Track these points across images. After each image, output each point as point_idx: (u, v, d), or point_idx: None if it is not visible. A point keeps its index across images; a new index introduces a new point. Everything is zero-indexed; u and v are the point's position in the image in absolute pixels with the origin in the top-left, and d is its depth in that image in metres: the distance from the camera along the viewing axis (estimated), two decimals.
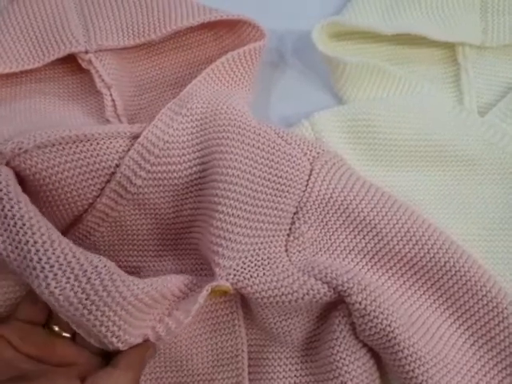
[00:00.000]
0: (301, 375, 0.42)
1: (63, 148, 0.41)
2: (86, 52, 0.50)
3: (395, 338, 0.39)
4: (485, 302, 0.42)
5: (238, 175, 0.42)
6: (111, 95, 0.51)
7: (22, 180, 0.40)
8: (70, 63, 0.52)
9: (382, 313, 0.39)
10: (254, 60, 0.52)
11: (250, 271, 0.41)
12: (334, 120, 0.50)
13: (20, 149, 0.38)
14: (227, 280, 0.40)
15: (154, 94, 0.54)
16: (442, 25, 0.54)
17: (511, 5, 0.55)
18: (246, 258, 0.41)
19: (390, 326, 0.39)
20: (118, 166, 0.43)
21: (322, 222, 0.44)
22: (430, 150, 0.50)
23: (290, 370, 0.42)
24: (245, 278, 0.40)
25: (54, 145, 0.40)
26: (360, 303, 0.39)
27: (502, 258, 0.47)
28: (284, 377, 0.42)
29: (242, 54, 0.51)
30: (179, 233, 0.46)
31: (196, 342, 0.43)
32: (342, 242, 0.44)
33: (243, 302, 0.43)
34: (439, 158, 0.50)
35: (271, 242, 0.42)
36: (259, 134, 0.44)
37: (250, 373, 0.43)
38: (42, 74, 0.53)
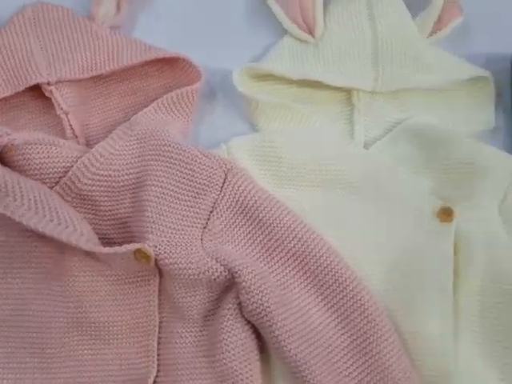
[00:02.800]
0: (196, 345, 0.55)
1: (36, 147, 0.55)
2: (49, 83, 0.62)
3: (270, 312, 0.52)
4: (348, 292, 0.55)
5: (164, 181, 0.56)
6: (68, 120, 0.63)
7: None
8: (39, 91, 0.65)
9: (261, 291, 0.52)
10: (192, 98, 0.65)
11: (169, 248, 0.54)
12: (246, 145, 0.63)
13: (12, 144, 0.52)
14: (153, 250, 0.53)
15: (105, 118, 0.66)
16: (340, 73, 0.66)
17: (398, 58, 0.67)
18: (167, 238, 0.54)
19: (267, 302, 0.52)
20: (71, 166, 0.56)
21: (231, 219, 0.57)
22: (320, 174, 0.62)
23: (188, 340, 0.55)
24: (165, 252, 0.54)
25: (32, 143, 0.54)
26: (246, 282, 0.52)
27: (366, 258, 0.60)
28: (183, 346, 0.55)
29: (184, 93, 0.64)
30: (113, 224, 0.58)
31: (119, 306, 0.56)
32: (244, 235, 0.57)
33: (160, 286, 0.56)
34: (327, 181, 0.63)
35: (190, 230, 0.56)
36: (184, 151, 0.58)
37: (159, 338, 0.56)
38: (15, 102, 0.64)
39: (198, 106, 0.68)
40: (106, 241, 0.58)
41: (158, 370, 0.55)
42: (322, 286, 0.56)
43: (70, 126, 0.63)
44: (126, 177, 0.58)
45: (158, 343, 0.56)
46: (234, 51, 0.70)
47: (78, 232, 0.52)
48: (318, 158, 0.63)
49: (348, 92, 0.69)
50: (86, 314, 0.55)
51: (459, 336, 0.57)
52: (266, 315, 0.52)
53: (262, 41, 0.71)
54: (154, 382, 0.55)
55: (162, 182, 0.56)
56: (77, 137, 0.63)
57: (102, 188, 0.58)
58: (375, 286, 0.59)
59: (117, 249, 0.52)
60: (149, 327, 0.56)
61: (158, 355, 0.55)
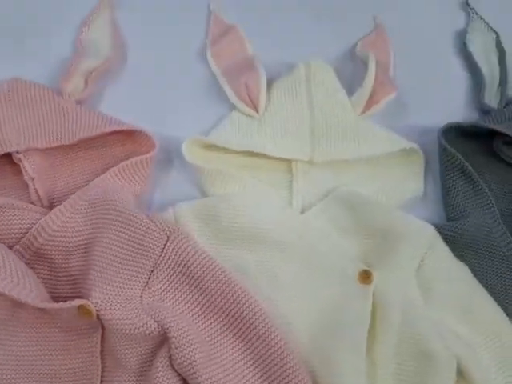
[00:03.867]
0: None
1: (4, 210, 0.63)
2: (18, 152, 0.71)
3: (196, 366, 0.58)
4: (273, 351, 0.60)
5: (111, 243, 0.63)
6: (34, 185, 0.71)
7: None
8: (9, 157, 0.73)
9: (189, 346, 0.58)
10: (146, 165, 0.73)
11: (109, 305, 0.60)
12: (190, 209, 0.70)
13: None
14: (94, 306, 0.59)
15: (69, 182, 0.74)
16: (280, 145, 0.74)
17: (333, 132, 0.74)
18: (108, 296, 0.60)
19: (193, 356, 0.58)
20: (31, 228, 0.64)
21: (170, 279, 0.64)
22: (257, 236, 0.69)
23: None
24: (105, 308, 0.60)
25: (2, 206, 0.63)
26: (175, 338, 0.58)
27: (296, 317, 0.66)
28: None
29: (138, 161, 0.71)
30: (66, 281, 0.65)
31: (67, 355, 0.62)
32: (181, 294, 0.63)
33: (103, 337, 0.62)
34: (263, 243, 0.69)
35: (130, 289, 0.62)
36: (130, 214, 0.65)
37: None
38: None
39: (155, 170, 0.76)
40: (58, 295, 0.65)
41: None
42: (250, 343, 0.61)
43: (35, 190, 0.71)
44: (78, 238, 0.65)
45: None
46: (191, 121, 0.78)
47: (28, 289, 0.59)
48: (255, 221, 0.69)
49: (289, 162, 0.76)
50: (36, 362, 0.62)
51: None
52: (193, 368, 0.58)
53: (217, 112, 0.79)
54: None
55: (108, 243, 0.64)
56: (41, 200, 0.71)
57: (57, 248, 0.65)
58: (303, 343, 0.64)
59: (61, 304, 0.59)
60: (92, 375, 0.62)
61: None
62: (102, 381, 0.62)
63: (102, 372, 0.62)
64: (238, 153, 0.75)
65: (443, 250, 0.68)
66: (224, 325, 0.63)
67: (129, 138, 0.76)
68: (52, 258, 0.65)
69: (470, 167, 0.72)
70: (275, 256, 0.69)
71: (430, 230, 0.68)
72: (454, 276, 0.67)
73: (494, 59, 0.83)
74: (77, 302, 0.59)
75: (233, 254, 0.69)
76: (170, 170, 0.77)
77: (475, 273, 0.69)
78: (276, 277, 0.68)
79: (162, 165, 0.77)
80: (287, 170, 0.76)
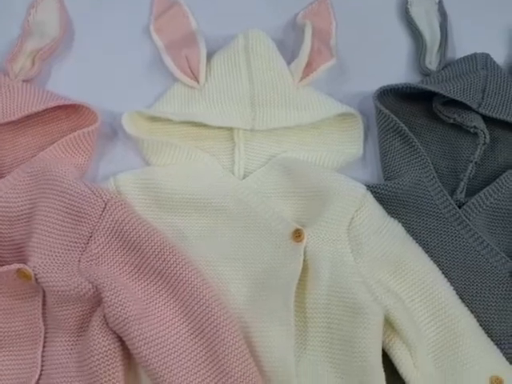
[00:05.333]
0: (70, 352, 0.63)
1: None
2: None
3: (129, 323, 0.60)
4: (204, 308, 0.62)
5: (50, 211, 0.66)
6: None
7: None
8: None
9: (121, 305, 0.60)
10: (90, 137, 0.75)
11: (45, 268, 0.63)
12: (130, 178, 0.72)
13: None
14: (32, 270, 0.62)
15: (16, 157, 0.77)
16: (221, 114, 0.76)
17: (272, 100, 0.76)
18: (45, 261, 0.63)
19: (125, 314, 0.60)
20: None
21: (108, 243, 0.66)
22: (196, 202, 0.71)
23: (65, 347, 0.63)
24: (43, 272, 0.62)
25: None
26: (108, 297, 0.60)
27: (232, 278, 0.68)
28: (60, 353, 0.63)
29: (81, 134, 0.74)
30: (11, 249, 0.68)
31: (9, 318, 0.65)
32: (118, 257, 0.66)
33: (43, 301, 0.65)
34: (204, 208, 0.71)
35: (68, 253, 0.65)
36: (69, 184, 0.67)
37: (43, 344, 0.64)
38: None
39: (101, 144, 0.78)
40: (4, 262, 0.67)
41: (40, 374, 0.63)
42: (182, 301, 0.63)
43: None
44: (20, 208, 0.68)
45: (42, 350, 0.64)
46: (136, 96, 0.80)
47: None
48: (194, 190, 0.71)
49: (230, 130, 0.78)
50: None
51: (307, 344, 0.64)
52: (125, 325, 0.60)
53: (162, 86, 0.81)
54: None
55: (47, 211, 0.66)
56: None
57: (1, 217, 0.68)
58: (240, 304, 0.66)
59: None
60: (35, 336, 0.64)
61: (42, 361, 0.64)
62: (44, 342, 0.65)
63: (45, 334, 0.65)
64: (180, 123, 0.77)
65: (374, 207, 0.69)
66: (159, 285, 0.65)
67: (74, 114, 0.78)
68: None
69: (405, 128, 0.73)
70: (214, 221, 0.71)
71: (361, 189, 0.69)
72: (385, 231, 0.68)
73: (436, 23, 0.84)
74: (14, 266, 0.62)
75: (171, 221, 0.71)
76: (116, 144, 0.80)
77: (411, 230, 0.71)
78: (214, 240, 0.70)
79: (107, 139, 0.79)
80: (229, 139, 0.78)
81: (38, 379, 0.63)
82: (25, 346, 0.65)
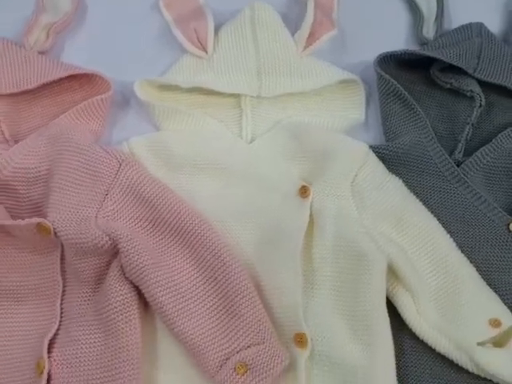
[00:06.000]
0: (89, 302, 0.66)
1: None
2: None
3: (145, 271, 0.63)
4: (216, 257, 0.65)
5: (67, 171, 0.70)
6: (0, 127, 0.77)
7: None
8: None
9: (137, 254, 0.63)
10: (103, 104, 0.78)
11: (65, 223, 0.66)
12: (143, 142, 0.76)
13: None
14: (51, 224, 0.65)
15: (32, 125, 0.80)
16: (228, 82, 0.79)
17: (277, 68, 0.80)
18: (65, 216, 0.66)
19: (141, 263, 0.63)
20: None
21: (123, 201, 0.69)
22: (207, 164, 0.74)
23: (83, 298, 0.66)
24: (61, 226, 0.65)
25: None
26: (124, 247, 0.64)
27: (242, 234, 0.71)
28: (79, 303, 0.66)
29: (95, 101, 0.77)
30: (29, 208, 0.71)
31: (30, 272, 0.68)
32: (133, 214, 0.69)
33: (63, 254, 0.68)
34: (213, 170, 0.74)
35: (85, 210, 0.68)
36: (85, 145, 0.71)
37: (62, 296, 0.67)
38: None
39: (114, 113, 0.82)
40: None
41: (59, 325, 0.66)
42: (195, 252, 0.67)
43: (2, 131, 0.77)
44: (38, 169, 0.71)
45: (61, 302, 0.67)
46: (146, 67, 0.83)
47: None
48: (205, 152, 0.75)
49: (237, 98, 0.81)
50: (2, 279, 0.67)
51: (314, 291, 0.67)
52: (141, 273, 0.63)
53: (172, 58, 0.85)
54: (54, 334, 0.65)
55: (65, 171, 0.69)
56: (7, 141, 0.77)
57: (20, 179, 0.71)
58: (249, 255, 0.69)
59: (20, 221, 0.65)
60: (53, 289, 0.67)
61: (60, 312, 0.67)
62: (62, 294, 0.68)
63: (63, 287, 0.68)
64: (188, 92, 0.81)
65: (377, 165, 0.73)
66: (173, 238, 0.68)
67: (87, 84, 0.81)
68: (16, 189, 0.71)
69: (404, 92, 0.77)
70: (224, 183, 0.75)
71: (364, 148, 0.73)
72: (387, 187, 0.71)
73: None
74: (35, 220, 0.65)
75: (181, 183, 0.74)
76: (128, 112, 0.83)
77: (412, 188, 0.74)
78: (224, 200, 0.73)
79: (120, 107, 0.83)
80: (236, 106, 0.81)
81: (57, 329, 0.66)
82: (44, 299, 0.68)
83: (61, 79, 0.79)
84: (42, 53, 0.82)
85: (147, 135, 0.77)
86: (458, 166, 0.75)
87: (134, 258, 0.64)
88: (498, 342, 0.62)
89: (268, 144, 0.77)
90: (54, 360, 0.63)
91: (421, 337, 0.65)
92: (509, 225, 0.71)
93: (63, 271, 0.68)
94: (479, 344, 0.62)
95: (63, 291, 0.68)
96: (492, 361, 0.61)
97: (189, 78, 0.80)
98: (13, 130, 0.79)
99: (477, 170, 0.75)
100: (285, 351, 0.62)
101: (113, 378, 0.61)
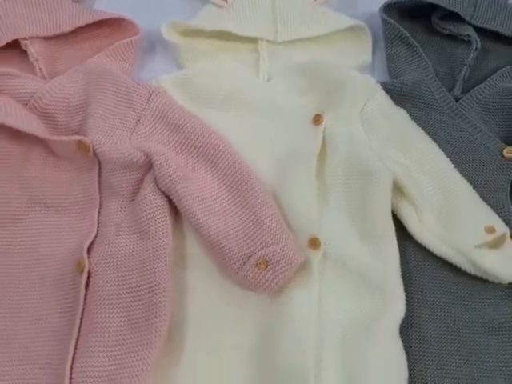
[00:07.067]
0: (124, 212, 0.73)
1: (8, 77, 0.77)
2: (25, 39, 0.84)
3: (176, 181, 0.70)
4: (238, 169, 0.73)
5: (103, 98, 0.77)
6: (39, 65, 0.85)
7: None
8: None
9: (169, 166, 0.70)
10: (132, 46, 0.86)
11: (103, 142, 0.73)
12: (171, 78, 0.83)
13: None
14: (91, 142, 0.72)
15: (67, 66, 0.87)
16: (246, 27, 0.87)
17: (292, 15, 0.88)
18: (101, 136, 0.74)
19: (173, 174, 0.70)
20: (36, 92, 0.77)
21: (154, 125, 0.77)
22: (229, 99, 0.82)
23: (119, 211, 0.73)
24: (99, 144, 0.73)
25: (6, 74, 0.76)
26: (157, 160, 0.71)
27: (261, 158, 0.78)
28: (115, 214, 0.73)
29: (125, 44, 0.85)
30: (67, 133, 0.78)
31: (70, 188, 0.75)
32: (164, 136, 0.76)
33: (100, 171, 0.75)
34: (233, 102, 0.82)
35: (120, 132, 0.75)
36: (119, 76, 0.79)
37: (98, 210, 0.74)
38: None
39: (140, 56, 0.90)
40: None
41: (96, 233, 0.73)
42: (219, 169, 0.74)
43: (40, 70, 0.84)
44: (76, 99, 0.78)
45: (98, 214, 0.74)
46: (169, 16, 0.91)
47: (34, 125, 0.72)
48: (227, 86, 0.82)
49: (255, 44, 0.89)
50: (45, 194, 0.75)
51: (327, 203, 0.74)
52: (172, 184, 0.70)
53: (192, 8, 0.93)
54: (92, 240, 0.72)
55: (101, 99, 0.77)
56: (44, 77, 0.84)
57: (59, 107, 0.78)
58: (266, 176, 0.76)
59: (63, 137, 0.72)
60: (91, 202, 0.74)
61: (98, 222, 0.74)
62: (99, 207, 0.75)
63: (100, 201, 0.75)
64: (208, 39, 0.89)
65: (384, 96, 0.80)
66: (200, 158, 0.75)
67: (116, 31, 0.89)
68: (55, 117, 0.78)
69: (407, 35, 0.85)
70: (244, 113, 0.82)
71: (372, 81, 0.81)
72: (394, 116, 0.79)
73: None
74: (76, 137, 0.72)
75: (205, 114, 0.81)
76: (155, 57, 0.91)
77: (414, 121, 0.81)
78: (244, 129, 0.81)
79: (147, 53, 0.91)
80: (254, 51, 0.89)
81: (95, 237, 0.73)
82: (83, 210, 0.75)
83: (92, 26, 0.87)
84: (75, 1, 0.89)
85: (175, 73, 0.85)
86: (456, 101, 0.83)
87: (166, 170, 0.71)
88: (493, 245, 0.69)
89: (283, 81, 0.85)
90: (93, 260, 0.70)
91: (423, 243, 0.72)
92: (502, 151, 0.78)
93: (100, 187, 0.75)
94: (476, 246, 0.69)
95: (100, 204, 0.75)
96: (487, 260, 0.68)
97: (210, 24, 0.88)
98: (50, 69, 0.86)
99: (473, 105, 0.83)
100: (300, 251, 0.69)
101: (146, 273, 0.67)
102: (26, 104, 0.78)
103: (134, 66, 0.87)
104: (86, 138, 0.73)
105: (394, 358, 0.64)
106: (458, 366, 0.67)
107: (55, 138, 0.73)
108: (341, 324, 0.66)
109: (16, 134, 0.75)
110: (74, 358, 0.64)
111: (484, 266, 0.68)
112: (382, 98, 0.80)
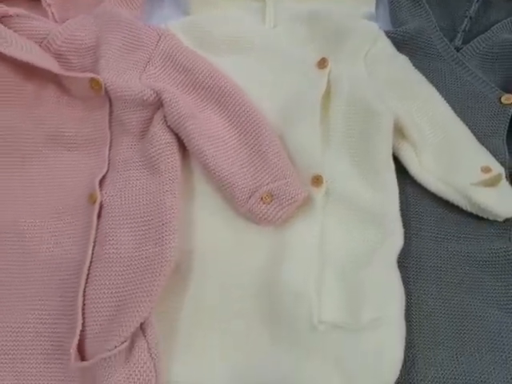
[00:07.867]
0: (134, 150, 0.76)
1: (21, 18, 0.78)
2: None
3: (184, 118, 0.72)
4: (243, 109, 0.75)
5: (113, 39, 0.79)
6: (51, 9, 0.87)
7: None
8: None
9: (177, 103, 0.73)
10: None
11: (115, 80, 0.75)
12: (180, 25, 0.85)
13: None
14: (103, 81, 0.75)
15: (78, 13, 0.90)
16: None
17: None
18: (113, 75, 0.76)
19: (182, 111, 0.72)
20: (49, 34, 0.79)
21: (163, 66, 0.79)
22: (235, 43, 0.84)
23: (130, 148, 0.76)
24: (111, 83, 0.75)
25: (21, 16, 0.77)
26: (166, 97, 0.73)
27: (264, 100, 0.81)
28: (126, 151, 0.75)
29: None
30: (82, 69, 0.80)
31: (83, 124, 0.78)
32: (172, 77, 0.78)
33: (111, 109, 0.78)
34: (240, 47, 0.84)
35: (131, 72, 0.77)
36: (128, 19, 0.81)
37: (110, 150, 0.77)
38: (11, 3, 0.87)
39: (149, 4, 0.92)
40: None
41: (108, 169, 0.76)
42: (227, 107, 0.76)
43: (53, 14, 0.87)
44: (88, 41, 0.81)
45: (109, 151, 0.77)
46: None
47: (51, 62, 0.75)
48: (234, 32, 0.85)
49: None
50: (59, 128, 0.77)
51: (330, 144, 0.77)
52: (181, 121, 0.73)
53: None
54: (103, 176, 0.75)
55: (112, 40, 0.79)
56: (57, 22, 0.86)
57: (72, 49, 0.80)
58: (271, 117, 0.79)
59: (77, 73, 0.75)
60: (103, 139, 0.77)
61: (109, 159, 0.76)
62: (110, 145, 0.77)
63: (111, 139, 0.78)
64: None
65: (387, 42, 0.83)
66: (208, 97, 0.78)
67: None
68: (68, 58, 0.80)
69: None
70: (249, 58, 0.84)
71: (375, 27, 0.83)
72: (396, 61, 0.81)
73: None
74: (89, 74, 0.75)
75: (213, 59, 0.83)
76: (163, 7, 0.93)
77: (416, 69, 0.84)
78: (249, 73, 0.83)
79: (156, 2, 0.93)
80: (260, 0, 0.91)
81: (106, 172, 0.75)
82: (95, 147, 0.77)
83: None
84: None
85: (183, 18, 0.87)
86: (457, 51, 0.85)
87: (174, 107, 0.73)
88: (489, 184, 0.72)
89: (288, 28, 0.87)
90: (106, 193, 0.73)
91: (422, 183, 0.75)
92: (500, 98, 0.81)
93: (111, 125, 0.78)
94: (473, 184, 0.72)
95: (110, 142, 0.77)
96: (483, 196, 0.71)
97: None
98: (61, 15, 0.88)
99: (473, 55, 0.85)
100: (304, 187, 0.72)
101: (156, 204, 0.70)
102: (40, 45, 0.80)
103: (143, 14, 0.89)
104: (98, 76, 0.75)
105: (392, 286, 0.67)
106: (452, 297, 0.70)
107: (70, 73, 0.75)
108: (343, 253, 0.69)
109: (30, 72, 0.77)
110: (86, 283, 0.67)
111: (479, 201, 0.71)
112: (385, 44, 0.82)
